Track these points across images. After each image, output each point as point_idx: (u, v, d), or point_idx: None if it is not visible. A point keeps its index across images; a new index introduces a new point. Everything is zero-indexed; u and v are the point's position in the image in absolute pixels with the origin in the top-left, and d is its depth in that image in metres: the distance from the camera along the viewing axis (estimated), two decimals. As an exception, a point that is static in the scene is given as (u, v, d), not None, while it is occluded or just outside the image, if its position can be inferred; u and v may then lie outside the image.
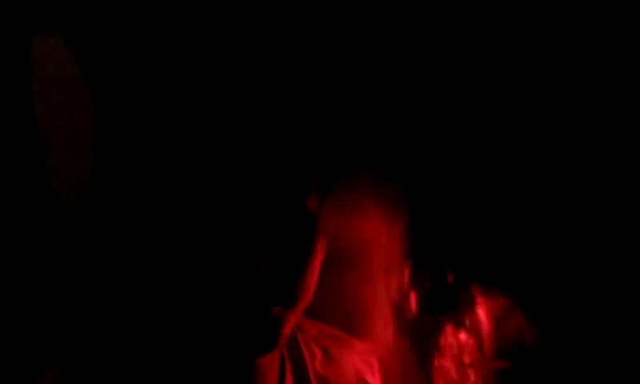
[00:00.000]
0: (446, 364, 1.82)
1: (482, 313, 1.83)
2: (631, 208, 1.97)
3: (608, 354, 1.88)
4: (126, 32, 1.83)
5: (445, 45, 1.99)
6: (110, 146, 1.81)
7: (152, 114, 1.77)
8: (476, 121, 2.01)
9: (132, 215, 1.73)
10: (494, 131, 2.01)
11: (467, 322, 1.83)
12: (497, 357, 1.81)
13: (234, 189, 1.53)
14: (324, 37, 1.92)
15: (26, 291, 1.73)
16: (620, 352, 1.89)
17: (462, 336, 1.81)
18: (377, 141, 1.94)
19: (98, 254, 1.77)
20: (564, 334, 1.88)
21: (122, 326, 1.68)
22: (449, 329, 1.83)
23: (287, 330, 1.50)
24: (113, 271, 1.75)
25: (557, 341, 1.86)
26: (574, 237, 1.96)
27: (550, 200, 2.00)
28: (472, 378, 1.80)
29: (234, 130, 1.69)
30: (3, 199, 1.74)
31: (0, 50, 1.76)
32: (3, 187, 1.75)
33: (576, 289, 1.93)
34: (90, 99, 1.80)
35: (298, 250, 1.52)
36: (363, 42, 1.95)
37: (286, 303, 1.50)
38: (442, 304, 1.86)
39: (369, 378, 1.75)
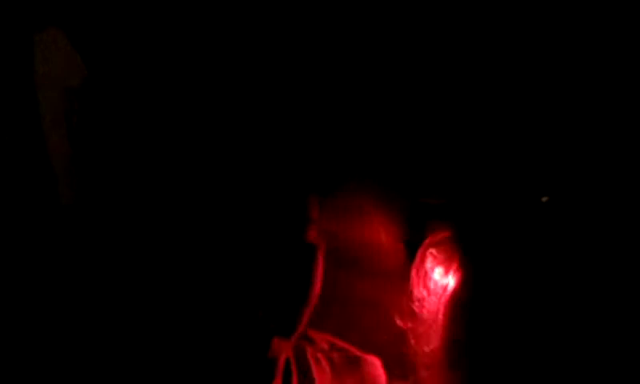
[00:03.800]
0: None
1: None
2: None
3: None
4: (127, 31, 1.84)
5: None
6: (112, 147, 1.82)
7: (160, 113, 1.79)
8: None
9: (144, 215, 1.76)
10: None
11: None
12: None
13: (235, 191, 1.60)
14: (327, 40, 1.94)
15: (27, 291, 1.73)
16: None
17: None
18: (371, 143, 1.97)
19: (100, 254, 1.77)
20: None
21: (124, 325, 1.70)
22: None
23: (301, 328, 1.66)
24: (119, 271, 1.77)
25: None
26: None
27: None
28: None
29: (234, 131, 1.72)
30: (8, 199, 1.74)
31: (3, 49, 1.76)
32: (7, 187, 1.75)
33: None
34: (92, 98, 1.81)
35: (299, 253, 1.65)
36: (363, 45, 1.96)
37: (297, 303, 1.62)
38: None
39: None
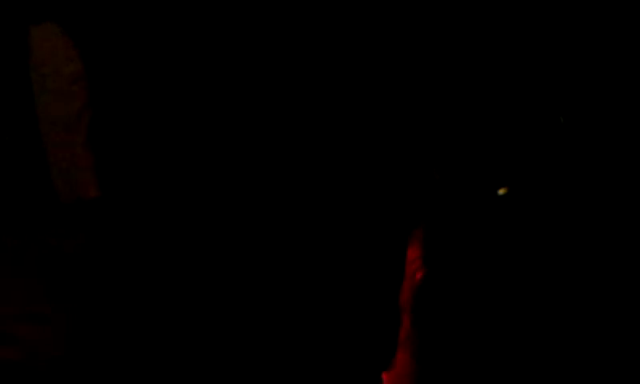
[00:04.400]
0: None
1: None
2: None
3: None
4: (129, 29, 1.78)
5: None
6: (118, 145, 1.81)
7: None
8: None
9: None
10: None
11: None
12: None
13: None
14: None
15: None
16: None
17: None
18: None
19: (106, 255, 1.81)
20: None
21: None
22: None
23: None
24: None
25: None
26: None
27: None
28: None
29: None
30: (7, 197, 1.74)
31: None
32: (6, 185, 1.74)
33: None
34: (89, 96, 1.78)
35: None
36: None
37: None
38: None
39: None
